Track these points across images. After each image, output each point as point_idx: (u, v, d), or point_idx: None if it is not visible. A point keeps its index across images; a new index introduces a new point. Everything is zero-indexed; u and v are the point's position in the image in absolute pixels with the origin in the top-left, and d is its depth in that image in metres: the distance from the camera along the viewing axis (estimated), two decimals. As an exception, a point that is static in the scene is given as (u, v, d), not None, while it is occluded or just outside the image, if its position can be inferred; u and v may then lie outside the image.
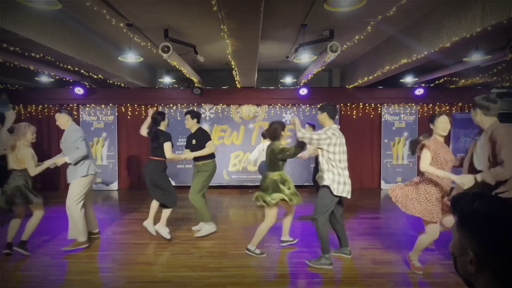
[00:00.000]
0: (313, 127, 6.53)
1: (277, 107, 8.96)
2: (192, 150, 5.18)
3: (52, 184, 8.76)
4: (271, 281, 3.73)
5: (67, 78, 7.76)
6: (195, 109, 7.86)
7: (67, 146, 4.49)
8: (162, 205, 4.95)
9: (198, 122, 5.31)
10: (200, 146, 5.11)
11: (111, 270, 3.98)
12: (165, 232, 4.90)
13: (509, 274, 0.86)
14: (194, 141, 5.20)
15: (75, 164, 4.45)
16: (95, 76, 7.19)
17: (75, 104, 8.85)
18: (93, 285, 3.66)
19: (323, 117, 4.04)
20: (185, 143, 5.51)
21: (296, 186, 4.47)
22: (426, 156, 3.55)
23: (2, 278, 3.70)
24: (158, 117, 4.94)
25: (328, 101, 4.22)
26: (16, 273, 3.86)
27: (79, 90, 8.33)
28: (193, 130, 5.29)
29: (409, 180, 4.04)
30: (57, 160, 4.50)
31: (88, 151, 4.59)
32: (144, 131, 5.18)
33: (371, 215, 6.36)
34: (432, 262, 4.11)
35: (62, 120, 4.57)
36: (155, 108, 8.95)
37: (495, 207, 0.90)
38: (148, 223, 5.05)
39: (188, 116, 5.24)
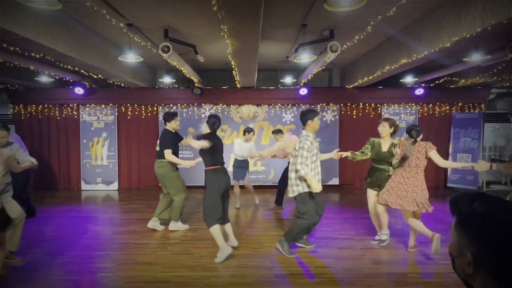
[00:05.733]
0: None
1: (277, 107, 8.96)
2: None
3: (49, 184, 8.79)
4: (271, 281, 3.73)
5: (67, 78, 7.75)
6: (195, 110, 8.21)
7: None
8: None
9: (166, 122, 5.32)
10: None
11: (111, 270, 3.98)
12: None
13: (507, 276, 0.85)
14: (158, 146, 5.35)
15: None
16: (95, 76, 7.19)
17: (75, 104, 8.86)
18: (93, 285, 3.66)
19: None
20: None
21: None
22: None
23: (2, 278, 3.70)
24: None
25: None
26: (16, 273, 3.86)
27: (79, 90, 8.33)
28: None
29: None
30: None
31: None
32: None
33: (371, 215, 6.34)
34: (431, 262, 4.12)
35: None
36: (155, 108, 8.98)
37: (495, 208, 0.88)
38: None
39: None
